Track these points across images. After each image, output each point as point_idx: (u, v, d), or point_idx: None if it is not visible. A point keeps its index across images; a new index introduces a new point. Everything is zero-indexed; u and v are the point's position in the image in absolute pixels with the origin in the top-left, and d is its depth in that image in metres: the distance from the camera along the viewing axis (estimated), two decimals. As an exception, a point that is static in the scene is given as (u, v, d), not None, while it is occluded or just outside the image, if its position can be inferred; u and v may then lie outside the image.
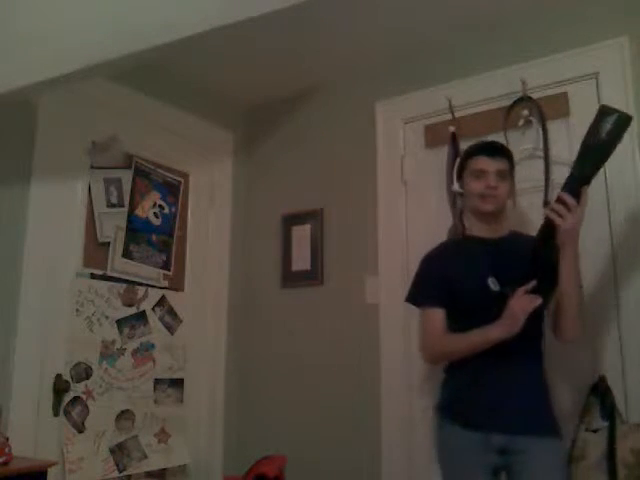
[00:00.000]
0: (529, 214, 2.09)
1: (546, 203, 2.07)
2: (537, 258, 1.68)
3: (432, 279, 1.85)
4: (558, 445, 1.69)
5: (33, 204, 2.11)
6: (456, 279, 1.79)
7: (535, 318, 1.65)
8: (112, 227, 2.40)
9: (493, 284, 1.72)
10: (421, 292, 1.88)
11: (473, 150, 1.86)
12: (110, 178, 2.42)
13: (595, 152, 1.59)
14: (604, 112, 1.59)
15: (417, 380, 2.28)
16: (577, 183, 1.60)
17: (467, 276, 1.78)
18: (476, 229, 1.87)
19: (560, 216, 1.58)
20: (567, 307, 1.66)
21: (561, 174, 2.01)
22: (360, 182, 2.56)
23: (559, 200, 1.60)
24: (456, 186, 1.96)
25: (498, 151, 1.83)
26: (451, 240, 2.05)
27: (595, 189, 2.01)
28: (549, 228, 1.62)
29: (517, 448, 1.66)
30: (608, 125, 1.56)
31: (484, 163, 1.80)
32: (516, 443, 1.66)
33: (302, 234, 2.70)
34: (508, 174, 1.83)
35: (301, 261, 2.68)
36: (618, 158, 1.96)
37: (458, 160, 1.99)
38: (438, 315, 1.80)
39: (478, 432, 1.68)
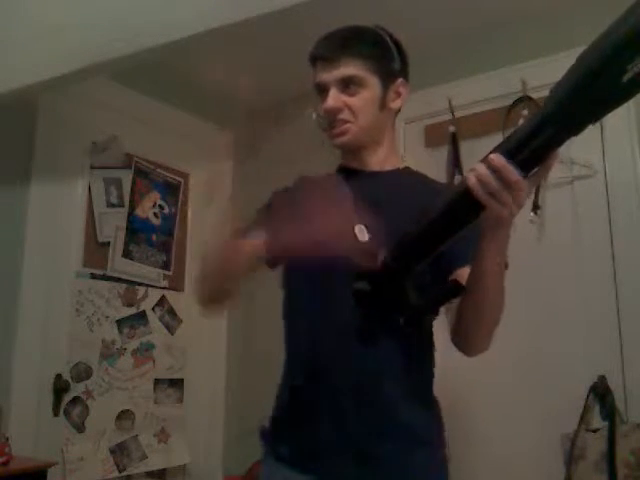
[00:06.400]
0: (516, 218, 2.08)
1: (535, 206, 2.01)
2: (434, 228, 0.93)
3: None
4: None
5: (33, 204, 2.12)
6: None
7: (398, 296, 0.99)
8: (112, 227, 2.40)
9: (361, 233, 1.08)
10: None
11: (310, 55, 1.20)
12: (110, 178, 2.42)
13: (605, 92, 0.73)
14: None
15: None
16: (550, 135, 0.81)
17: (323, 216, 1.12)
18: (346, 160, 1.31)
19: (494, 197, 0.83)
20: (484, 310, 1.04)
21: (559, 174, 2.02)
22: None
23: (496, 170, 0.81)
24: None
25: (339, 46, 1.14)
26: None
27: (594, 188, 2.03)
28: (470, 204, 0.87)
29: None
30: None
31: (320, 73, 1.16)
32: None
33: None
34: (371, 77, 1.15)
35: (301, 261, 2.68)
36: (618, 157, 1.98)
37: None
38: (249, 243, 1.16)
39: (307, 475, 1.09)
